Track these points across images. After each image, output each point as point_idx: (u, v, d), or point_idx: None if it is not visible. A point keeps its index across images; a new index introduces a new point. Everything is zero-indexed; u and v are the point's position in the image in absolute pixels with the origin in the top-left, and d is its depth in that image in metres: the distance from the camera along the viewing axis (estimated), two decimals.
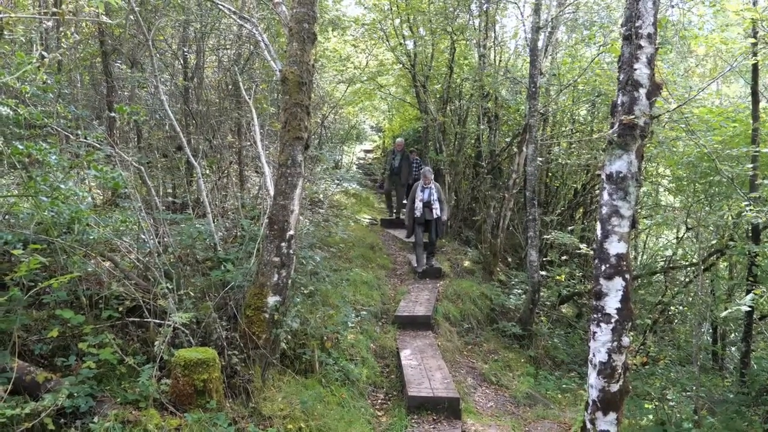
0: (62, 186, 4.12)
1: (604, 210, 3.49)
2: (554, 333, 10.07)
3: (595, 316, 3.51)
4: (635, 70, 3.35)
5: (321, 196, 12.40)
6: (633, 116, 3.35)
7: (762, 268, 7.11)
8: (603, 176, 3.52)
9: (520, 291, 10.66)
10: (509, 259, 13.29)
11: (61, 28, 7.86)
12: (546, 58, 12.67)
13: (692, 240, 10.08)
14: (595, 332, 3.50)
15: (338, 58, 12.48)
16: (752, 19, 6.95)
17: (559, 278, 10.61)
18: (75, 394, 3.78)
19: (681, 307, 10.88)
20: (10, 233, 3.99)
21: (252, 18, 7.05)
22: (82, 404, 3.78)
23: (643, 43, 3.34)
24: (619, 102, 3.46)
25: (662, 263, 12.27)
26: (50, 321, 4.43)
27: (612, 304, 3.43)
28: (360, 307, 8.14)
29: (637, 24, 3.36)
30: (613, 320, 3.43)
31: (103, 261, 5.19)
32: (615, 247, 3.44)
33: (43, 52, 4.76)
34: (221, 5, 6.97)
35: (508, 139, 13.79)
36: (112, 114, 6.70)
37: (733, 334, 9.76)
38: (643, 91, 3.36)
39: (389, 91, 16.26)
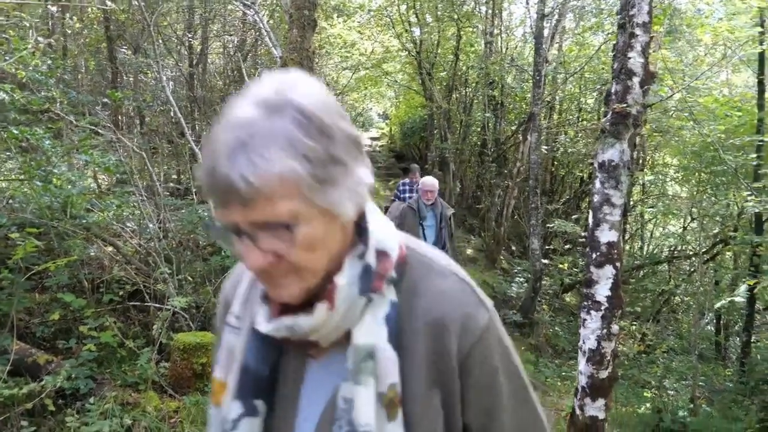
0: (56, 170, 4.16)
1: (596, 198, 3.50)
2: (556, 321, 10.09)
3: (585, 303, 3.53)
4: (629, 58, 3.34)
5: None
6: (625, 105, 3.34)
7: (764, 259, 7.08)
8: (595, 164, 3.52)
9: (522, 279, 10.68)
10: (513, 248, 13.29)
11: (58, 13, 7.88)
12: (553, 45, 12.57)
13: (697, 230, 10.04)
14: (585, 319, 3.52)
15: (343, 44, 12.42)
16: (759, 7, 6.87)
17: (562, 267, 10.62)
18: (75, 376, 3.84)
19: (684, 297, 10.86)
20: (5, 217, 4.05)
21: (254, 4, 7.04)
22: (82, 386, 3.84)
23: (637, 31, 3.32)
24: (613, 91, 3.45)
25: (667, 253, 12.24)
26: (52, 304, 4.50)
27: (602, 291, 3.44)
28: None
29: (631, 12, 3.34)
30: (602, 308, 3.45)
31: (106, 246, 5.25)
32: (606, 235, 3.45)
33: (39, 38, 4.79)
34: None
35: (513, 128, 13.72)
36: (105, 100, 6.73)
37: (737, 325, 9.74)
38: (636, 80, 3.34)
39: (395, 78, 16.20)
